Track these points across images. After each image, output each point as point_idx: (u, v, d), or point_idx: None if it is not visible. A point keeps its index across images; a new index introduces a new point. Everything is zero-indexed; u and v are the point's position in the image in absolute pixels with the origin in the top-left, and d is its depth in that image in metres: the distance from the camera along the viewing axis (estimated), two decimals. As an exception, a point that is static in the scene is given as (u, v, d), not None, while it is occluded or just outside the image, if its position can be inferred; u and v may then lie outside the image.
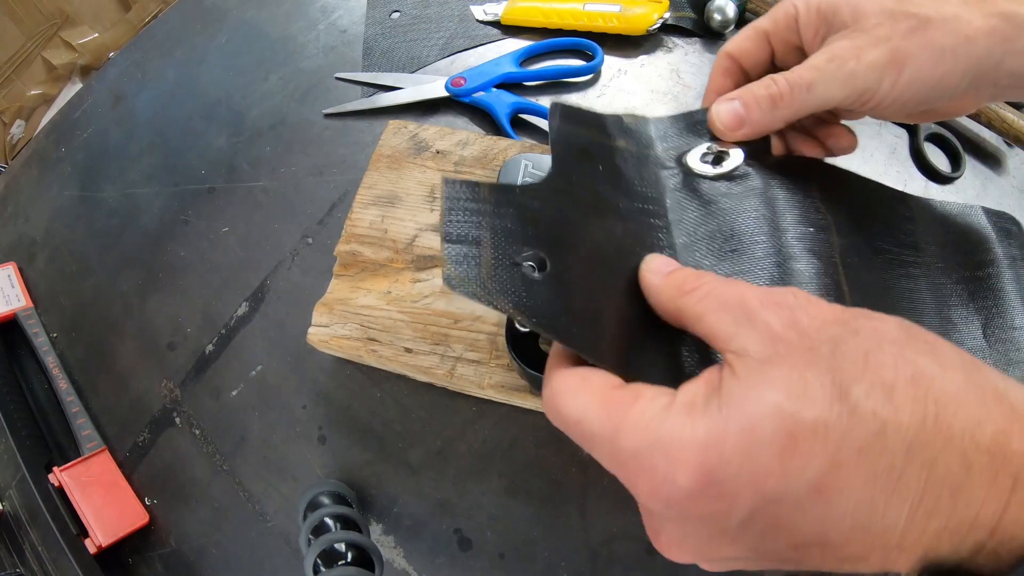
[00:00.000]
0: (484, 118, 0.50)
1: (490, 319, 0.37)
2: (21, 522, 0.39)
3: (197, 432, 0.42)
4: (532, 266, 0.23)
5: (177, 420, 0.43)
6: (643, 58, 0.53)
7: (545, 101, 0.50)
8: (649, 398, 0.20)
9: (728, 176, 0.30)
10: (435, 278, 0.39)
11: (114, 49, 1.05)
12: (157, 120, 0.55)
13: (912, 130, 0.50)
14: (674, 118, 0.33)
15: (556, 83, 0.52)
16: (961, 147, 0.48)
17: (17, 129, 1.05)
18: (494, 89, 0.50)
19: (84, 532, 0.39)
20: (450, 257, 0.22)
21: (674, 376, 0.24)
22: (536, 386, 0.34)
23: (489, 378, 0.36)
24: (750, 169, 0.31)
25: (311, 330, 0.38)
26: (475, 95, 0.50)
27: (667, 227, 0.29)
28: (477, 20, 0.56)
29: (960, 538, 0.17)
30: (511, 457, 0.38)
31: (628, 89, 0.51)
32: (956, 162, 0.49)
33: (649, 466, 0.18)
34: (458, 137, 0.44)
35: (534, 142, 0.47)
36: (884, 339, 0.18)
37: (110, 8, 1.09)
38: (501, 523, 0.37)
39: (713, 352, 0.25)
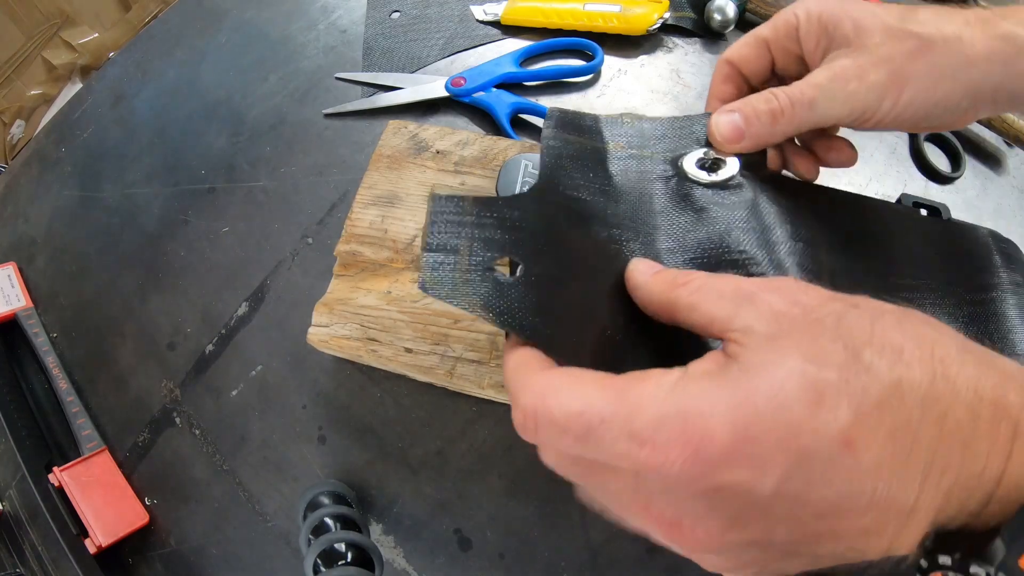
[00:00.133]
0: (484, 118, 0.50)
1: (490, 319, 0.37)
2: (21, 522, 0.39)
3: (197, 432, 0.42)
4: (506, 270, 0.23)
5: (177, 420, 0.43)
6: (643, 58, 0.53)
7: (545, 101, 0.50)
8: (657, 374, 0.19)
9: (722, 185, 0.30)
10: (435, 278, 0.39)
11: (114, 49, 1.05)
12: (157, 120, 0.55)
13: (912, 130, 0.50)
14: (674, 120, 0.33)
15: (556, 83, 0.52)
16: (961, 147, 0.48)
17: (17, 129, 1.05)
18: (494, 89, 0.50)
19: (84, 532, 0.39)
20: (427, 264, 0.23)
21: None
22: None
23: (489, 378, 0.36)
24: (744, 180, 0.30)
25: (311, 330, 0.38)
26: (475, 95, 0.50)
27: (655, 232, 0.29)
28: (477, 20, 0.56)
29: (968, 493, 0.17)
30: (511, 457, 0.38)
31: (628, 89, 0.51)
32: (956, 162, 0.49)
33: (681, 431, 0.17)
34: (458, 137, 0.44)
35: (534, 142, 0.47)
36: (884, 311, 0.19)
37: (110, 8, 1.09)
38: (501, 523, 0.37)
39: (704, 347, 0.25)
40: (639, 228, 0.29)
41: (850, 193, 0.34)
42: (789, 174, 0.35)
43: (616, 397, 0.19)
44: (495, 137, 0.44)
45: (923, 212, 0.36)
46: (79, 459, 0.41)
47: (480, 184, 0.42)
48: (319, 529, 0.35)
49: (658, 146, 0.33)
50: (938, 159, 0.49)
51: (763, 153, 0.32)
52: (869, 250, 0.32)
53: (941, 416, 0.17)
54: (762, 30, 0.33)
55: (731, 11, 0.51)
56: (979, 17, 0.29)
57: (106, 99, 0.58)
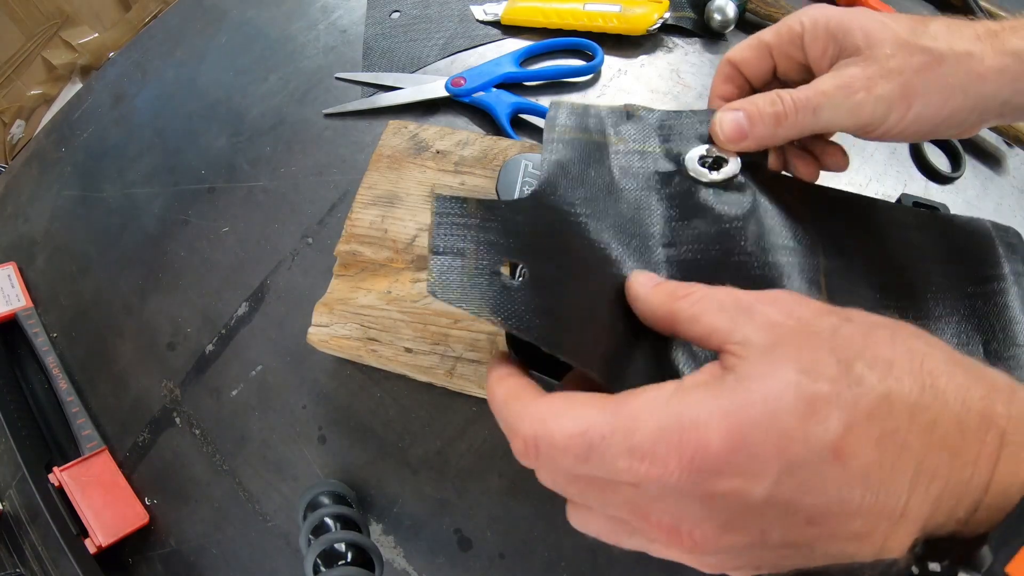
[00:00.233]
0: (484, 118, 0.50)
1: (490, 319, 0.37)
2: (21, 522, 0.39)
3: (197, 432, 0.42)
4: (511, 274, 0.23)
5: (177, 420, 0.43)
6: (643, 58, 0.53)
7: (545, 101, 0.50)
8: (653, 388, 0.20)
9: (723, 184, 0.30)
10: (435, 278, 0.39)
11: (114, 49, 1.05)
12: (157, 120, 0.55)
13: (912, 130, 0.50)
14: (678, 114, 0.33)
15: (556, 83, 0.52)
16: (961, 147, 0.48)
17: (17, 129, 1.05)
18: (494, 89, 0.50)
19: (84, 532, 0.39)
20: (435, 267, 0.23)
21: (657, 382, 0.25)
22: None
23: (489, 378, 0.36)
24: (744, 179, 0.30)
25: (311, 330, 0.38)
26: (475, 95, 0.50)
27: (655, 230, 0.29)
28: (477, 20, 0.56)
29: (957, 500, 0.18)
30: (511, 457, 0.38)
31: (628, 89, 0.51)
32: (956, 162, 0.49)
33: (678, 441, 0.18)
34: (458, 137, 0.44)
35: (534, 142, 0.47)
36: (876, 325, 0.20)
37: (110, 8, 1.09)
38: (501, 523, 0.37)
39: (701, 358, 0.25)
40: (640, 226, 0.29)
41: (849, 193, 0.34)
42: (787, 174, 0.35)
43: (614, 414, 0.19)
44: (495, 137, 0.44)
45: (1000, 233, 0.36)
46: (79, 459, 0.41)
47: (480, 184, 0.42)
48: (319, 529, 0.35)
49: (660, 140, 0.33)
50: (938, 159, 0.49)
51: (764, 152, 0.32)
52: (869, 249, 0.32)
53: (929, 426, 0.18)
54: (765, 35, 0.33)
55: (731, 11, 0.51)
56: (989, 31, 0.29)
57: (106, 99, 0.58)
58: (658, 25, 0.52)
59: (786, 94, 0.30)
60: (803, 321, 0.20)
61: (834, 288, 0.30)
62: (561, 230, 0.27)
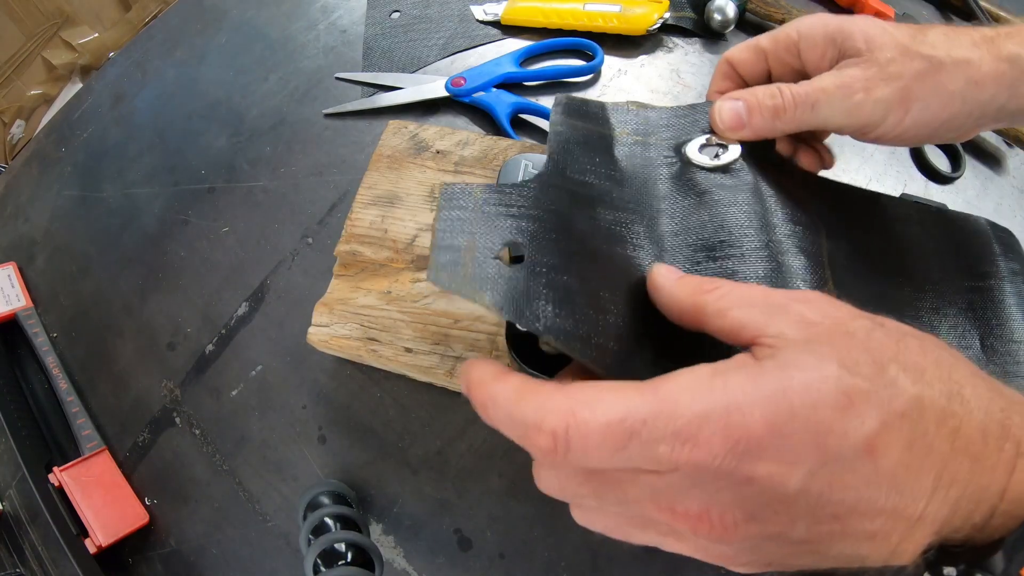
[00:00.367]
0: (484, 118, 0.50)
1: (490, 319, 0.37)
2: (21, 522, 0.39)
3: (197, 432, 0.42)
4: (510, 259, 0.23)
5: (177, 420, 0.43)
6: (643, 58, 0.53)
7: (545, 101, 0.50)
8: (688, 371, 0.19)
9: (723, 168, 0.31)
10: (435, 278, 0.39)
11: (114, 49, 1.05)
12: (157, 120, 0.55)
13: (912, 130, 0.50)
14: (679, 109, 0.34)
15: (556, 83, 0.52)
16: (961, 147, 0.48)
17: (17, 129, 1.05)
18: (494, 89, 0.50)
19: (84, 532, 0.39)
20: (437, 256, 0.22)
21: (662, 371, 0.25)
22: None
23: (489, 378, 0.36)
24: (745, 165, 0.31)
25: (311, 330, 0.38)
26: (475, 95, 0.50)
27: (658, 215, 0.30)
28: (477, 20, 0.56)
29: (974, 505, 0.18)
30: (511, 457, 0.38)
31: (628, 89, 0.51)
32: (956, 162, 0.49)
33: (724, 424, 0.18)
34: (458, 137, 0.44)
35: (534, 142, 0.47)
36: (906, 333, 0.20)
37: (110, 8, 1.09)
38: (501, 523, 0.37)
39: (714, 342, 0.25)
40: (643, 212, 0.30)
41: (851, 186, 0.35)
42: (788, 163, 0.35)
43: (653, 398, 0.19)
44: (495, 137, 0.44)
45: (997, 232, 0.36)
46: (79, 459, 0.41)
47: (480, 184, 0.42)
48: (319, 529, 0.35)
49: (663, 134, 0.33)
50: (938, 159, 0.49)
51: (771, 140, 0.32)
52: (869, 238, 0.32)
53: (954, 432, 0.18)
54: (761, 40, 0.33)
55: (731, 11, 0.51)
56: (985, 37, 0.30)
57: (106, 99, 0.58)
58: (658, 25, 0.52)
59: (786, 88, 0.30)
60: (838, 321, 0.20)
61: (836, 268, 0.30)
62: (566, 212, 0.27)
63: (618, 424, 0.18)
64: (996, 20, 0.53)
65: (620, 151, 0.32)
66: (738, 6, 0.52)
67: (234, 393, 0.43)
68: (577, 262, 0.25)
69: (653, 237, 0.29)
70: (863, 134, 0.31)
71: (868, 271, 0.31)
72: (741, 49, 0.34)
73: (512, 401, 0.20)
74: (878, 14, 0.53)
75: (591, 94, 0.51)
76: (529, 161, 0.40)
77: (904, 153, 0.49)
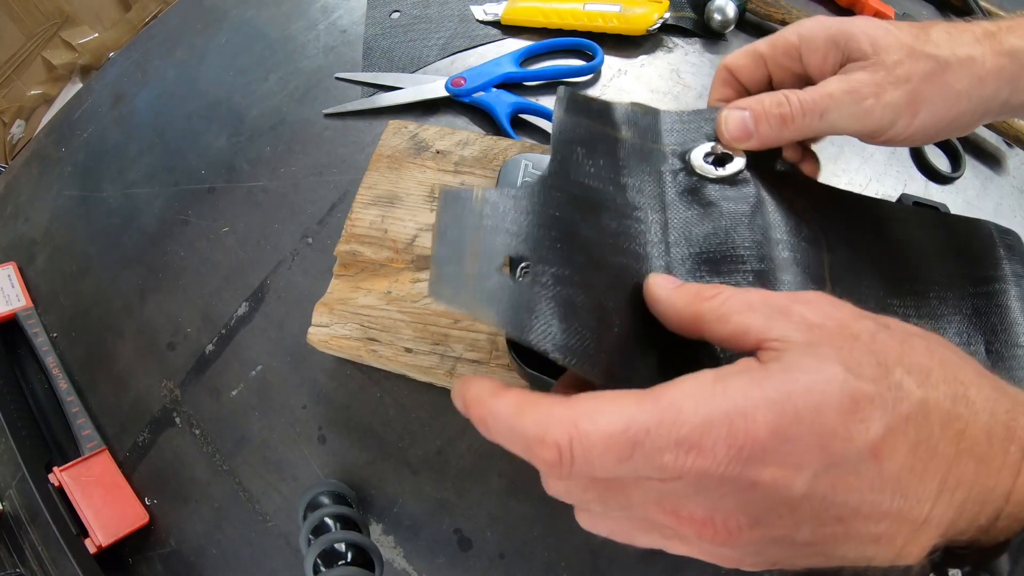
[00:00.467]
0: (484, 118, 0.50)
1: (490, 319, 0.37)
2: (21, 522, 0.39)
3: (197, 432, 0.42)
4: (515, 271, 0.23)
5: (177, 420, 0.43)
6: (643, 58, 0.53)
7: (545, 101, 0.50)
8: (690, 378, 0.19)
9: (728, 180, 0.30)
10: (435, 278, 0.39)
11: (114, 49, 1.05)
12: (157, 120, 0.55)
13: (912, 130, 0.50)
14: (683, 114, 0.34)
15: (556, 83, 0.51)
16: (961, 147, 0.48)
17: (17, 129, 1.05)
18: (494, 89, 0.50)
19: (84, 532, 0.39)
20: (438, 270, 0.22)
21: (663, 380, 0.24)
22: (536, 385, 0.34)
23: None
24: (749, 176, 0.31)
25: (311, 330, 0.38)
26: (475, 95, 0.50)
27: (663, 224, 0.30)
28: (477, 20, 0.56)
29: (979, 507, 0.18)
30: (511, 457, 0.38)
31: (628, 89, 0.51)
32: (956, 162, 0.49)
33: (727, 431, 0.18)
34: (458, 137, 0.44)
35: (534, 142, 0.47)
36: (912, 333, 0.20)
37: (110, 8, 1.09)
38: (501, 523, 0.37)
39: (715, 352, 0.25)
40: (647, 220, 0.29)
41: (853, 193, 0.34)
42: (790, 171, 0.35)
43: (654, 407, 0.18)
44: (495, 137, 0.44)
45: (1001, 235, 0.36)
46: (79, 459, 0.41)
47: (480, 184, 0.42)
48: (319, 529, 0.35)
49: (667, 139, 0.33)
50: (938, 159, 0.49)
51: (774, 149, 0.32)
52: (872, 246, 0.32)
53: (959, 434, 0.18)
54: (760, 45, 0.33)
55: (731, 11, 0.51)
56: (986, 32, 0.29)
57: (106, 99, 0.58)
58: (658, 25, 0.52)
59: (793, 96, 0.30)
60: (842, 323, 0.20)
61: (838, 283, 0.30)
62: (569, 218, 0.26)
63: (621, 434, 0.18)
64: (993, 18, 0.53)
65: (624, 154, 0.32)
66: (738, 6, 0.52)
67: (234, 393, 0.43)
68: (582, 272, 0.24)
69: (657, 247, 0.29)
70: (871, 138, 0.30)
71: (871, 280, 0.31)
72: (739, 55, 0.33)
73: (513, 416, 0.20)
74: (878, 14, 0.53)
75: (591, 94, 0.51)
76: (529, 161, 0.40)
77: (904, 153, 0.49)
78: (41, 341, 0.46)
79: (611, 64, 0.52)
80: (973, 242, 0.34)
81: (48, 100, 1.07)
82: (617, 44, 0.53)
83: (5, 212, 0.55)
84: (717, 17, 0.52)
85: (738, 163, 0.31)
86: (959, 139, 0.49)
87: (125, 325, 0.47)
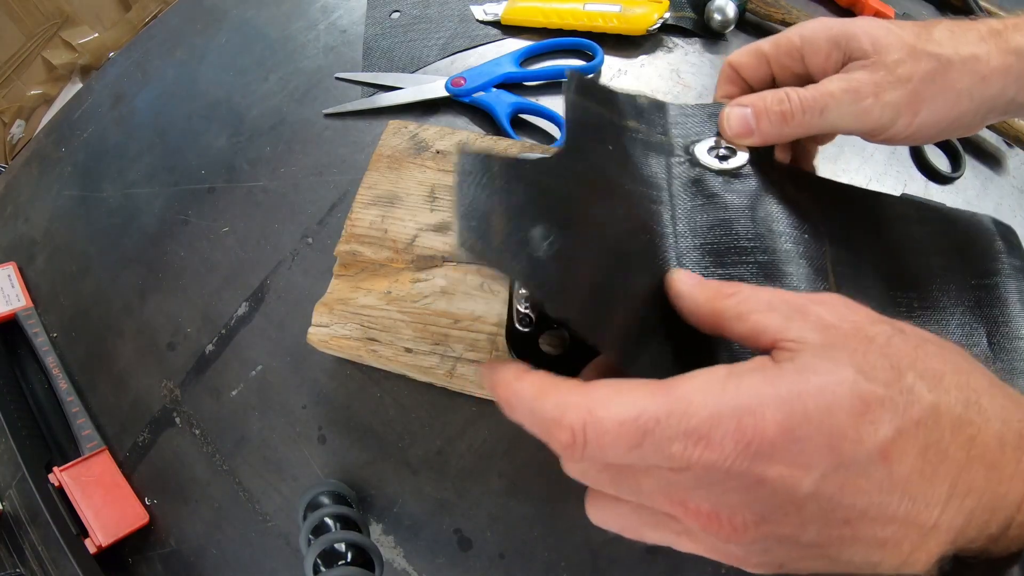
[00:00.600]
0: (484, 118, 0.50)
1: (490, 319, 0.37)
2: (21, 522, 0.39)
3: (197, 432, 0.42)
4: (541, 240, 0.23)
5: (177, 420, 0.43)
6: (643, 58, 0.53)
7: (545, 101, 0.50)
8: (704, 372, 0.19)
9: (732, 173, 0.31)
10: (435, 278, 0.39)
11: (114, 49, 1.05)
12: (157, 120, 0.55)
13: (912, 130, 0.50)
14: (689, 107, 0.34)
15: (556, 83, 0.51)
16: (961, 147, 0.48)
17: (17, 129, 1.05)
18: (494, 89, 0.50)
19: (84, 532, 0.39)
20: (463, 226, 0.22)
21: (680, 368, 0.25)
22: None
23: (489, 378, 0.36)
24: (753, 170, 0.31)
25: (311, 330, 0.38)
26: (475, 95, 0.50)
27: (671, 215, 0.30)
28: (477, 20, 0.56)
29: (990, 515, 0.18)
30: (511, 457, 0.38)
31: (628, 89, 0.51)
32: (956, 162, 0.49)
33: (736, 425, 0.18)
34: (458, 137, 0.44)
35: (534, 142, 0.47)
36: (926, 339, 0.20)
37: (110, 8, 1.09)
38: (501, 523, 0.37)
39: (738, 354, 0.25)
40: (654, 209, 0.30)
41: (855, 187, 0.35)
42: (793, 166, 0.35)
43: (666, 398, 0.19)
44: (495, 137, 0.44)
45: (1001, 229, 0.37)
46: (79, 459, 0.41)
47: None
48: (319, 529, 0.35)
49: (673, 131, 0.33)
50: (938, 159, 0.49)
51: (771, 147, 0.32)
52: (874, 239, 0.33)
53: (970, 441, 0.18)
54: (763, 45, 0.33)
55: (731, 11, 0.51)
56: (992, 30, 0.29)
57: (106, 99, 0.58)
58: (658, 25, 0.52)
59: (794, 93, 0.30)
60: (857, 326, 0.20)
61: (841, 276, 0.30)
62: (582, 198, 0.26)
63: (632, 422, 0.19)
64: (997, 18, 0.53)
65: (630, 144, 0.32)
66: (738, 6, 0.52)
67: (234, 393, 0.43)
68: (598, 250, 0.25)
69: (666, 237, 0.29)
70: (872, 136, 0.30)
71: (874, 272, 0.31)
72: (743, 53, 0.34)
73: (534, 398, 0.21)
74: (878, 14, 0.53)
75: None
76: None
77: (904, 153, 0.49)
78: (41, 341, 0.46)
79: (611, 64, 0.52)
80: (973, 235, 0.34)
81: (48, 100, 1.07)
82: (617, 44, 0.53)
83: (5, 212, 0.55)
84: (717, 17, 0.52)
85: (741, 157, 0.31)
86: (959, 139, 0.49)
87: (125, 325, 0.47)
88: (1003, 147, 0.50)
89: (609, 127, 0.31)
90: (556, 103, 0.50)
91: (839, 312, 0.20)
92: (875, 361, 0.19)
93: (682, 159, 0.32)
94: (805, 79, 0.32)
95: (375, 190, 0.42)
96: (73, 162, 0.55)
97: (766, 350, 0.20)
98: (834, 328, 0.20)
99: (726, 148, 0.31)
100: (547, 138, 0.49)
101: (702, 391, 0.19)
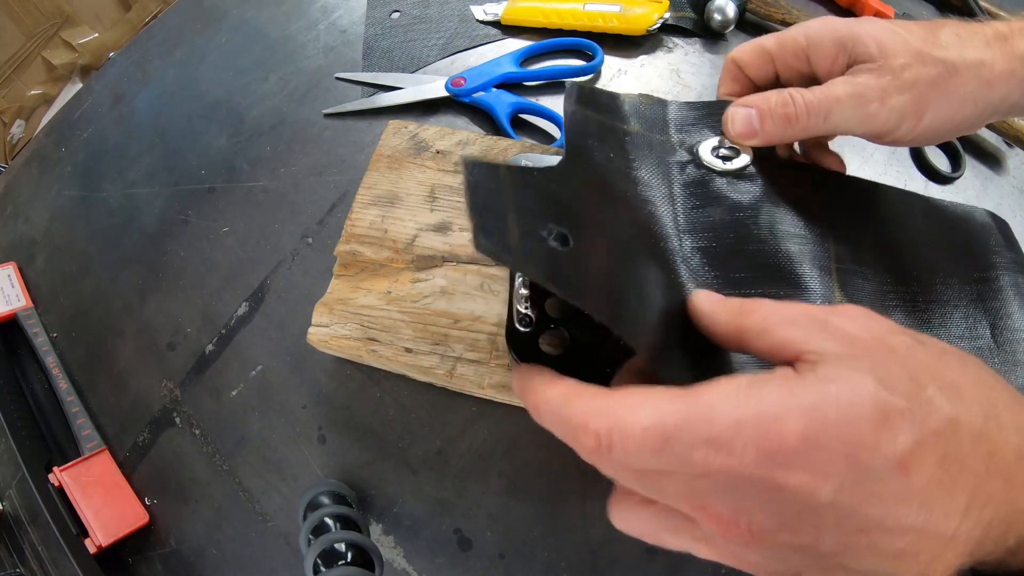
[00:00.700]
0: (484, 118, 0.50)
1: (490, 319, 0.37)
2: (21, 522, 0.39)
3: (197, 432, 0.42)
4: (558, 239, 0.23)
5: (177, 420, 0.43)
6: (643, 58, 0.53)
7: (545, 101, 0.50)
8: (727, 380, 0.20)
9: (736, 173, 0.31)
10: (435, 278, 0.39)
11: (114, 49, 1.05)
12: (157, 120, 0.55)
13: (912, 130, 0.50)
14: (692, 105, 0.34)
15: (556, 83, 0.52)
16: (961, 147, 0.48)
17: (17, 129, 1.05)
18: (494, 89, 0.50)
19: (84, 532, 0.39)
20: (479, 227, 0.22)
21: (698, 369, 0.25)
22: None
23: (489, 378, 0.36)
24: (756, 170, 0.31)
25: (311, 330, 0.38)
26: (475, 95, 0.50)
27: (674, 217, 0.30)
28: (477, 20, 0.56)
29: (1007, 527, 0.18)
30: (511, 457, 0.38)
31: (628, 89, 0.51)
32: (956, 162, 0.49)
33: (757, 433, 0.18)
34: (458, 137, 0.44)
35: (534, 142, 0.47)
36: (946, 352, 0.21)
37: (110, 8, 1.09)
38: (501, 523, 0.37)
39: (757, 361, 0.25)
40: (658, 214, 0.30)
41: (856, 178, 0.35)
42: (796, 162, 0.35)
43: (689, 405, 0.19)
44: (495, 137, 0.44)
45: (999, 224, 0.37)
46: (79, 459, 0.41)
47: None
48: (319, 529, 0.35)
49: (675, 130, 0.33)
50: (938, 159, 0.49)
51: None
52: (878, 234, 0.33)
53: (989, 454, 0.18)
54: (767, 42, 0.33)
55: (731, 11, 0.51)
56: (998, 35, 0.29)
57: (106, 99, 0.58)
58: (658, 25, 0.52)
59: (799, 96, 0.30)
60: (879, 336, 0.20)
61: (845, 274, 0.30)
62: (589, 203, 0.26)
63: (656, 428, 0.19)
64: (996, 20, 0.53)
65: (633, 147, 0.32)
66: (738, 6, 0.52)
67: (234, 393, 0.43)
68: (611, 257, 0.25)
69: (670, 241, 0.29)
70: (876, 139, 0.31)
71: (877, 268, 0.31)
72: (747, 51, 0.33)
73: (562, 404, 0.21)
74: (878, 13, 0.53)
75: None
76: (529, 161, 0.40)
77: (904, 153, 0.49)
78: (41, 341, 0.46)
79: (611, 64, 0.52)
80: (973, 229, 0.34)
81: (48, 100, 1.07)
82: (617, 44, 0.53)
83: (5, 212, 0.55)
84: (717, 17, 0.52)
85: (745, 158, 0.31)
86: (959, 139, 0.49)
87: (125, 325, 0.47)
88: (1003, 147, 0.50)
89: (610, 134, 0.31)
90: (556, 103, 0.50)
91: (860, 323, 0.21)
92: (895, 372, 0.19)
93: (685, 159, 0.32)
94: (809, 78, 0.32)
95: (375, 190, 0.42)
96: (73, 162, 0.55)
97: (789, 363, 0.21)
98: (856, 339, 0.20)
99: (729, 148, 0.31)
100: (547, 138, 0.49)
101: (725, 399, 0.19)
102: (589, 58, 0.52)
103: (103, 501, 0.40)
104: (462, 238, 0.40)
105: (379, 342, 0.38)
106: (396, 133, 0.45)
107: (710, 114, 0.33)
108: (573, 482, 0.37)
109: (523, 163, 0.40)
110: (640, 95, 0.34)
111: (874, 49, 0.29)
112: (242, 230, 0.48)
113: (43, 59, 1.05)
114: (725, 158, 0.31)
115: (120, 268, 0.49)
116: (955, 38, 0.29)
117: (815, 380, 0.19)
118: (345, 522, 0.35)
